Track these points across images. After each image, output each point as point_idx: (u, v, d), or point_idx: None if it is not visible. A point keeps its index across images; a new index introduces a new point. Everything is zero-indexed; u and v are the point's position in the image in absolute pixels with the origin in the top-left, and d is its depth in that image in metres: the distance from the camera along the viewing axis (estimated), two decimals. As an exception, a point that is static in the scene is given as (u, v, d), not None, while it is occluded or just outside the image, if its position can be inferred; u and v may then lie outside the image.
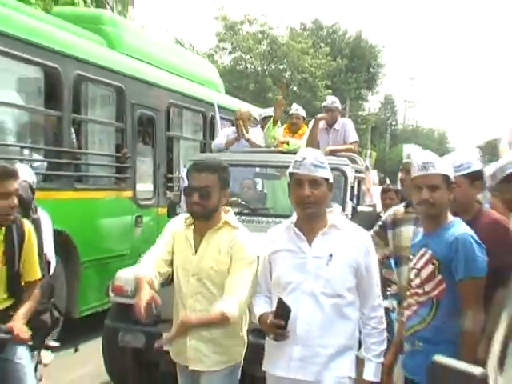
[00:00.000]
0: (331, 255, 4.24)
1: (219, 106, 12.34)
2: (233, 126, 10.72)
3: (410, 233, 6.07)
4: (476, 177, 4.84)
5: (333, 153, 9.40)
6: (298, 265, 4.28)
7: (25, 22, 8.91)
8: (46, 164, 9.32)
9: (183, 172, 8.68)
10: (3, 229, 4.88)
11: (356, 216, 8.01)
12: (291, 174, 4.33)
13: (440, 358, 2.34)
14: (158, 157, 12.16)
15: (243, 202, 8.80)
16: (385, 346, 4.37)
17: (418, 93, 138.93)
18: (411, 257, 4.73)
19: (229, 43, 54.90)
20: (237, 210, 8.25)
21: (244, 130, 10.25)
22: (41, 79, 9.14)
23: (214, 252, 4.72)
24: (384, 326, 4.38)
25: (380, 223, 6.61)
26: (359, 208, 8.51)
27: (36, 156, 9.30)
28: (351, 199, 8.48)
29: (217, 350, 4.73)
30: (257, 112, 11.46)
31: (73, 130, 9.81)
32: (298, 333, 4.18)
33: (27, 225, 5.08)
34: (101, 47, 10.76)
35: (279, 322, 4.05)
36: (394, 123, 76.95)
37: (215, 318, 4.42)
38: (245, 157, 9.07)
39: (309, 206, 4.24)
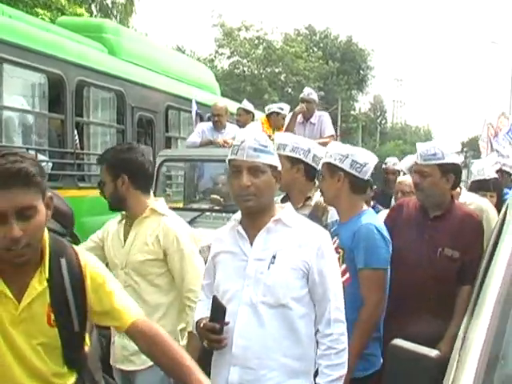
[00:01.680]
0: (274, 257, 3.32)
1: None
2: (208, 120, 10.21)
3: None
4: (449, 170, 4.58)
5: None
6: (238, 269, 3.38)
7: (30, 32, 8.95)
8: (50, 164, 9.35)
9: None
10: (45, 270, 2.73)
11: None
12: (229, 162, 3.43)
13: (399, 341, 2.38)
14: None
15: (217, 197, 8.36)
16: (344, 371, 3.31)
17: (405, 93, 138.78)
18: None
19: (227, 48, 55.04)
20: (207, 206, 8.16)
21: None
22: (45, 85, 9.17)
23: (141, 243, 4.26)
24: (343, 346, 3.31)
25: None
26: None
27: (41, 157, 9.32)
28: None
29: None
30: (233, 107, 10.81)
31: (75, 131, 9.86)
32: (233, 351, 3.30)
33: (83, 255, 2.88)
34: (102, 54, 10.80)
35: (213, 325, 3.30)
36: (383, 122, 76.99)
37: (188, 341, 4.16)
38: (216, 152, 8.46)
39: (247, 197, 3.31)
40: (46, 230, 2.74)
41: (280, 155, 3.79)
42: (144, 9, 76.13)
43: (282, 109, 9.85)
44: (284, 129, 9.39)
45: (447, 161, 4.55)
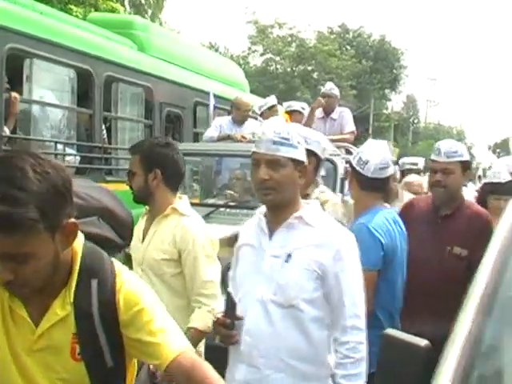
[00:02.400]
0: (290, 255, 3.25)
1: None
2: (229, 114, 10.07)
3: None
4: (467, 167, 4.78)
5: None
6: (255, 264, 3.35)
7: (60, 27, 9.12)
8: (78, 158, 9.52)
9: None
10: (70, 293, 2.28)
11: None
12: (251, 154, 3.36)
13: (391, 331, 2.47)
14: (185, 152, 12.28)
15: (233, 193, 8.18)
16: (361, 382, 3.20)
17: (439, 92, 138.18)
18: None
19: (260, 46, 55.15)
20: (222, 202, 8.06)
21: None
22: (74, 80, 9.31)
23: (158, 241, 4.22)
24: (361, 355, 3.18)
25: None
26: (350, 201, 7.40)
27: (69, 150, 9.50)
28: (341, 191, 7.29)
29: None
30: (258, 103, 10.36)
31: (103, 126, 10.02)
32: (241, 348, 3.28)
33: (122, 276, 2.36)
34: (131, 50, 10.94)
35: (224, 319, 3.27)
36: (416, 121, 76.73)
37: (192, 338, 3.78)
38: (234, 147, 8.40)
39: (266, 191, 3.26)
40: (80, 243, 2.28)
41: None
42: (178, 6, 76.54)
43: (303, 108, 9.61)
44: (303, 124, 8.94)
45: (466, 158, 4.73)
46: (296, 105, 9.84)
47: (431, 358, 2.25)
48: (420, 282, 4.43)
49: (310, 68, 54.84)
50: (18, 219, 1.96)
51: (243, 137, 8.69)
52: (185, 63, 12.45)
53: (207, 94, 11.81)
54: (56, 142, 9.15)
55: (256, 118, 9.73)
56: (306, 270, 3.21)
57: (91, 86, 9.51)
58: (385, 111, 62.27)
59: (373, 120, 56.24)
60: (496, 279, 2.29)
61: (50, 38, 8.58)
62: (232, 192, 8.23)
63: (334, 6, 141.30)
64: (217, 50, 53.84)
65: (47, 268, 2.14)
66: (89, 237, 2.35)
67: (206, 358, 3.47)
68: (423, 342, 2.29)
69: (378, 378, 2.40)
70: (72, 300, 2.24)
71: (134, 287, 2.32)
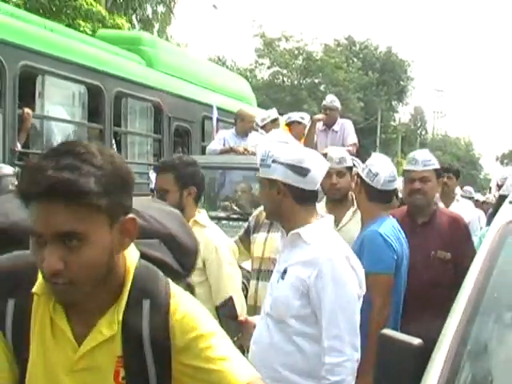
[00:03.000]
0: (285, 271, 3.37)
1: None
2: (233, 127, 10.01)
3: (261, 240, 4.86)
4: (440, 174, 5.09)
5: None
6: (273, 276, 3.55)
7: (71, 45, 9.35)
8: (89, 172, 9.71)
9: (151, 175, 8.25)
10: (118, 312, 2.07)
11: None
12: None
13: (387, 331, 2.66)
14: (193, 165, 12.43)
15: (234, 207, 8.24)
16: None
17: (446, 104, 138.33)
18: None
19: (267, 59, 55.29)
20: (224, 214, 8.04)
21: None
22: (85, 95, 9.56)
23: None
24: (338, 378, 3.15)
25: (245, 227, 5.27)
26: None
27: (80, 164, 9.69)
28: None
29: None
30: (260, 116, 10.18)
31: (113, 141, 10.23)
32: (248, 357, 3.39)
33: (177, 298, 2.13)
34: (139, 66, 11.15)
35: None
36: (423, 133, 76.74)
37: None
38: (236, 160, 8.58)
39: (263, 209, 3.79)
40: (134, 260, 2.10)
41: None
42: (185, 19, 76.91)
43: (302, 118, 9.48)
44: (304, 136, 9.20)
45: (438, 166, 5.00)
46: (295, 115, 9.72)
47: (424, 356, 2.42)
48: (409, 289, 4.55)
49: (316, 80, 55.02)
50: (82, 186, 1.81)
51: (246, 149, 8.82)
52: (193, 78, 12.65)
53: (216, 108, 11.97)
54: (67, 157, 9.32)
55: (257, 131, 9.76)
56: (293, 287, 3.30)
57: (101, 102, 9.73)
58: (392, 123, 62.30)
59: (380, 132, 56.33)
60: (483, 283, 2.45)
61: (61, 55, 8.81)
62: (233, 205, 8.30)
63: (341, 19, 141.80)
64: (224, 64, 54.08)
65: (101, 263, 1.94)
66: (146, 259, 2.15)
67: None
68: (416, 341, 2.45)
69: (376, 374, 2.56)
70: (121, 320, 2.02)
71: (190, 311, 2.09)
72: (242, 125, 9.46)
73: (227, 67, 50.93)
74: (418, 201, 4.90)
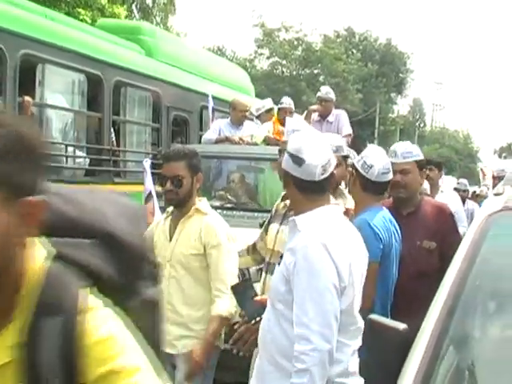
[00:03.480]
0: (281, 257, 3.54)
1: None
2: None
3: (273, 232, 4.59)
4: (423, 165, 5.07)
5: None
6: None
7: (71, 34, 9.42)
8: (88, 160, 9.81)
9: (146, 164, 8.28)
10: (15, 332, 1.50)
11: None
12: None
13: (374, 316, 2.76)
14: (191, 154, 12.49)
15: (229, 196, 8.18)
16: None
17: (445, 96, 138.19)
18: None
19: (266, 49, 55.22)
20: (218, 204, 7.93)
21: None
22: (84, 84, 9.63)
23: (185, 238, 4.64)
24: (304, 366, 3.16)
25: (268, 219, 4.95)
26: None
27: (79, 153, 9.80)
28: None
29: (186, 334, 4.57)
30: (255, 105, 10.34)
31: (112, 129, 10.31)
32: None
33: (96, 318, 1.53)
34: (139, 55, 11.22)
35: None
36: (421, 125, 76.77)
37: (214, 326, 4.48)
38: (231, 149, 8.67)
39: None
40: (42, 261, 1.56)
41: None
42: (184, 9, 76.74)
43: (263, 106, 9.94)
44: None
45: (421, 157, 5.02)
46: (266, 103, 10.15)
47: (409, 341, 2.52)
48: (397, 280, 4.62)
49: (316, 71, 55.03)
50: None
51: (241, 139, 8.87)
52: (191, 68, 12.71)
53: (213, 98, 12.05)
54: (66, 145, 9.44)
55: (252, 120, 9.85)
56: (280, 273, 3.42)
57: (101, 91, 9.82)
58: (391, 115, 62.32)
59: (378, 124, 56.39)
60: (465, 272, 2.55)
61: (61, 44, 8.88)
62: (227, 194, 8.28)
63: (341, 10, 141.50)
64: (224, 54, 54.05)
65: None
66: (69, 263, 1.61)
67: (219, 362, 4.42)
68: (401, 326, 2.55)
69: (363, 358, 2.66)
70: (18, 342, 1.49)
71: (108, 335, 1.52)
72: (235, 114, 9.53)
73: (227, 57, 50.91)
74: (401, 194, 4.96)
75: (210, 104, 11.49)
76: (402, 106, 68.66)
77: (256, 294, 4.12)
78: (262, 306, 3.74)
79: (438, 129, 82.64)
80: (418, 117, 74.88)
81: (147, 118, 11.51)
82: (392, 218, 4.62)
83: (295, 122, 5.29)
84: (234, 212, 7.70)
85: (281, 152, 4.32)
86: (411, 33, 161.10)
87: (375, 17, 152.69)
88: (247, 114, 9.70)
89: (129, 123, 11.20)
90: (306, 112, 9.55)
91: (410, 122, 69.45)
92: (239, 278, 4.52)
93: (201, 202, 4.76)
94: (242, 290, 4.12)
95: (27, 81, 8.46)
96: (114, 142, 10.47)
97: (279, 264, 3.48)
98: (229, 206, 7.92)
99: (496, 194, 3.05)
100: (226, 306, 4.48)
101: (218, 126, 9.54)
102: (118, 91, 10.44)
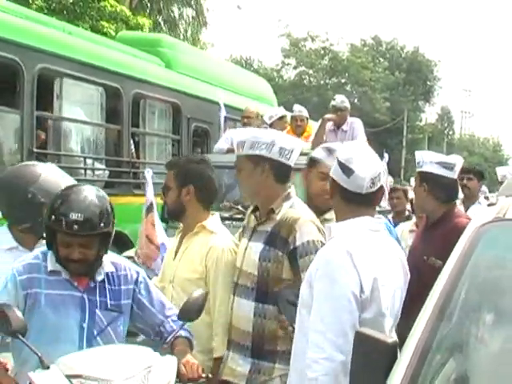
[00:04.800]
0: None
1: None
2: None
3: (242, 249, 4.21)
4: (424, 178, 4.80)
5: None
6: None
7: (89, 47, 9.51)
8: (107, 172, 9.88)
9: (147, 174, 8.12)
10: None
11: None
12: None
13: (363, 329, 2.74)
14: (212, 166, 12.52)
15: (239, 207, 7.84)
16: None
17: (474, 104, 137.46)
18: None
19: (293, 59, 55.37)
20: (227, 215, 7.76)
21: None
22: (103, 97, 9.71)
23: (188, 260, 4.19)
24: (315, 374, 3.05)
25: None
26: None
27: (98, 165, 9.87)
28: None
29: None
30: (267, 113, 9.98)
31: (132, 141, 10.37)
32: None
33: None
34: (158, 68, 11.28)
35: None
36: (450, 133, 76.28)
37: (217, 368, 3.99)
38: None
39: None
40: None
41: (239, 156, 4.07)
42: (211, 20, 76.82)
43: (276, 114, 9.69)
44: (313, 136, 9.09)
45: (424, 169, 4.76)
46: (279, 111, 9.95)
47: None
48: (408, 292, 4.57)
49: (343, 80, 55.01)
50: None
51: None
52: (212, 79, 12.75)
53: (234, 109, 12.08)
54: (85, 157, 9.52)
55: (266, 129, 9.20)
56: (305, 279, 3.31)
57: (120, 103, 9.88)
58: (419, 123, 62.06)
59: (406, 132, 56.16)
60: (453, 283, 2.54)
61: (79, 58, 8.96)
62: (229, 204, 8.07)
63: (367, 19, 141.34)
64: (251, 64, 54.23)
65: None
66: None
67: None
68: (390, 339, 2.53)
69: (352, 370, 2.64)
70: None
71: None
72: (248, 121, 9.27)
73: (254, 68, 51.09)
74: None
75: (222, 113, 11.34)
76: (429, 114, 68.32)
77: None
78: None
79: (467, 136, 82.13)
80: (446, 125, 74.45)
81: (167, 129, 11.56)
82: (391, 228, 4.53)
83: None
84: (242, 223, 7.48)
85: (312, 161, 4.33)
86: (438, 40, 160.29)
87: (402, 25, 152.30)
88: (251, 120, 9.33)
89: (148, 135, 11.26)
90: (320, 121, 9.25)
91: (438, 130, 69.07)
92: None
93: (210, 219, 4.28)
94: (283, 294, 3.77)
95: (45, 94, 8.54)
96: (134, 154, 10.52)
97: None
98: (238, 216, 7.57)
99: (489, 205, 3.04)
100: (220, 347, 4.05)
101: (230, 136, 9.05)
102: (137, 103, 10.49)
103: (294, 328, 3.54)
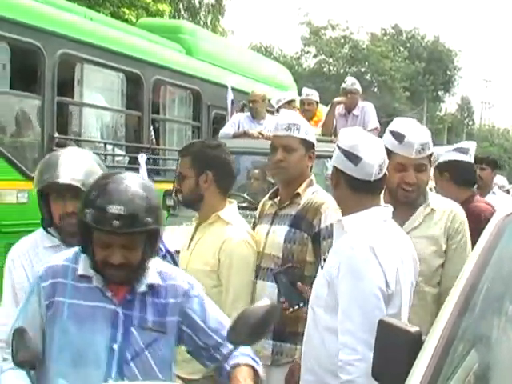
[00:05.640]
0: (325, 260, 3.42)
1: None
2: (242, 111, 9.96)
3: (263, 233, 4.18)
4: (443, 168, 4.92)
5: None
6: None
7: (110, 33, 9.49)
8: (127, 158, 9.87)
9: (141, 159, 8.05)
10: None
11: None
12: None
13: (386, 318, 2.71)
14: (231, 153, 12.52)
15: (244, 195, 7.53)
16: None
17: (494, 94, 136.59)
18: None
19: (313, 47, 55.22)
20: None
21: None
22: (124, 83, 9.73)
23: (202, 251, 4.00)
24: (348, 377, 2.98)
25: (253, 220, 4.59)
26: None
27: (118, 151, 9.87)
28: None
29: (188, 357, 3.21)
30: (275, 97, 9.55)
31: (151, 128, 10.36)
32: None
33: None
34: (179, 54, 11.25)
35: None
36: (470, 123, 75.87)
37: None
38: (247, 144, 7.84)
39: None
40: None
41: (293, 138, 4.01)
42: (231, 7, 76.62)
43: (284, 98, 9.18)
44: (323, 121, 8.82)
45: (442, 160, 4.92)
46: (287, 95, 9.52)
47: (421, 344, 2.47)
48: None
49: (362, 69, 54.78)
50: None
51: (261, 133, 8.23)
52: (232, 66, 12.70)
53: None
54: (105, 143, 9.53)
55: (273, 113, 9.20)
56: (322, 276, 3.24)
57: (140, 89, 9.85)
58: (438, 113, 61.78)
59: (426, 122, 55.86)
60: (478, 275, 2.50)
61: (100, 44, 8.94)
62: (239, 193, 7.59)
63: (388, 7, 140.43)
64: (271, 52, 54.11)
65: None
66: None
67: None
68: (414, 329, 2.50)
69: (375, 359, 2.60)
70: None
71: None
72: (254, 106, 8.97)
73: (273, 56, 50.98)
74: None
75: (230, 96, 10.97)
76: (449, 104, 68.09)
77: (297, 281, 3.78)
78: (302, 294, 3.67)
79: (486, 127, 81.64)
80: (466, 115, 74.06)
81: (187, 116, 11.55)
82: None
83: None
84: (249, 212, 6.76)
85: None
86: (459, 30, 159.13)
87: (423, 14, 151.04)
88: (258, 104, 9.02)
89: (169, 122, 11.28)
90: (330, 105, 8.92)
91: (458, 121, 68.75)
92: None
93: (226, 208, 4.06)
94: (283, 276, 3.75)
95: (66, 80, 8.54)
96: (154, 141, 10.51)
97: (322, 267, 3.30)
98: (244, 205, 7.15)
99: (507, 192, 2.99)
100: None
101: (238, 120, 8.96)
102: (157, 90, 10.48)
103: (294, 310, 3.67)
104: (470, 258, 2.62)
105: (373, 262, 3.03)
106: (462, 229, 3.76)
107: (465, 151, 4.87)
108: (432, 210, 3.76)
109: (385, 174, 3.27)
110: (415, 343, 2.42)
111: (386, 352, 2.55)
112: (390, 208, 3.33)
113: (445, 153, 4.91)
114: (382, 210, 3.29)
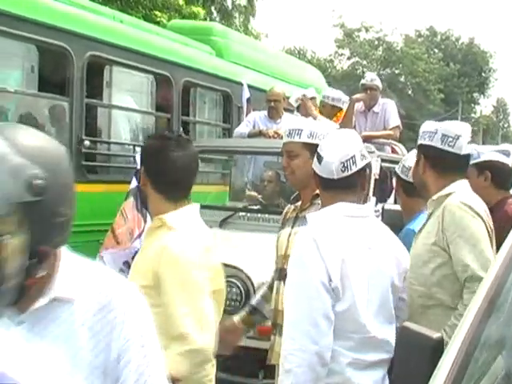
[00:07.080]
0: None
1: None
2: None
3: (285, 236, 4.15)
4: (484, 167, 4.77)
5: (368, 139, 7.47)
6: None
7: (139, 36, 9.45)
8: (156, 160, 9.84)
9: (138, 157, 7.50)
10: None
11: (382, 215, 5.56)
12: None
13: (409, 324, 2.63)
14: (262, 155, 12.47)
15: (256, 195, 7.38)
16: None
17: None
18: None
19: (347, 49, 55.24)
20: (241, 206, 7.43)
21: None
22: (153, 85, 9.70)
23: (141, 261, 3.37)
24: (289, 366, 2.96)
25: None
26: (385, 206, 5.74)
27: (147, 153, 9.84)
28: (374, 195, 6.51)
29: None
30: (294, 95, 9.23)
31: (182, 130, 10.31)
32: None
33: None
34: (209, 56, 11.19)
35: None
36: (505, 125, 75.27)
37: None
38: (262, 144, 7.58)
39: None
40: None
41: (295, 143, 4.03)
42: (265, 10, 76.78)
43: (304, 95, 8.79)
44: (341, 118, 8.52)
45: (483, 158, 4.78)
46: (308, 92, 9.12)
47: (443, 350, 2.38)
48: None
49: (396, 71, 54.60)
50: None
51: (276, 133, 7.90)
52: (263, 68, 12.64)
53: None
54: (135, 145, 9.50)
55: (292, 112, 8.98)
56: None
57: (170, 91, 9.79)
58: (473, 115, 61.37)
59: (461, 124, 55.58)
60: (503, 276, 2.40)
61: (129, 46, 8.89)
62: (254, 193, 7.59)
63: (422, 9, 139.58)
64: (304, 55, 54.09)
65: None
66: None
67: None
68: (435, 335, 2.42)
69: (396, 365, 2.54)
70: None
71: None
72: (275, 105, 8.69)
73: (307, 58, 50.93)
74: None
75: (245, 93, 10.65)
76: (484, 107, 67.63)
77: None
78: None
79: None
80: (501, 117, 73.46)
81: (218, 118, 11.50)
82: None
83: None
84: (259, 215, 6.82)
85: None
86: (494, 31, 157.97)
87: (457, 16, 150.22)
88: (272, 103, 8.76)
89: (199, 124, 11.21)
90: (349, 102, 8.61)
91: (493, 122, 68.23)
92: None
93: (174, 213, 3.31)
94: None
95: (95, 82, 8.51)
96: (184, 143, 10.46)
97: None
98: (254, 208, 7.09)
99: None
100: (177, 364, 2.92)
101: (253, 119, 8.75)
102: (187, 92, 10.43)
103: None
104: (496, 258, 2.52)
105: (314, 255, 3.05)
106: (452, 222, 3.58)
107: (507, 153, 4.87)
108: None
109: (358, 171, 3.28)
110: (437, 349, 2.35)
111: (406, 358, 2.50)
112: (367, 205, 3.49)
113: (487, 152, 4.86)
114: (349, 206, 3.26)
